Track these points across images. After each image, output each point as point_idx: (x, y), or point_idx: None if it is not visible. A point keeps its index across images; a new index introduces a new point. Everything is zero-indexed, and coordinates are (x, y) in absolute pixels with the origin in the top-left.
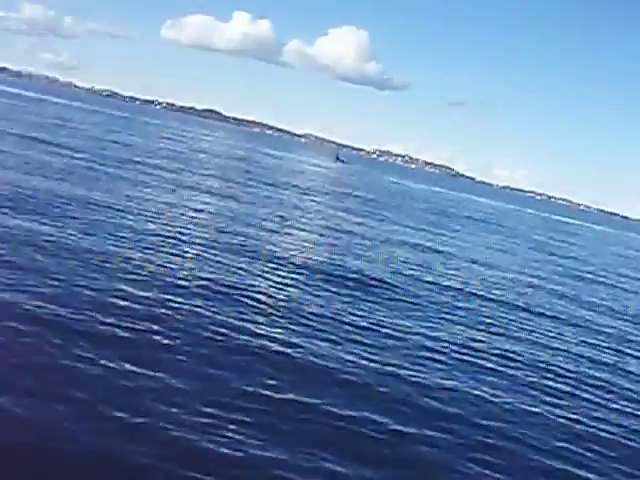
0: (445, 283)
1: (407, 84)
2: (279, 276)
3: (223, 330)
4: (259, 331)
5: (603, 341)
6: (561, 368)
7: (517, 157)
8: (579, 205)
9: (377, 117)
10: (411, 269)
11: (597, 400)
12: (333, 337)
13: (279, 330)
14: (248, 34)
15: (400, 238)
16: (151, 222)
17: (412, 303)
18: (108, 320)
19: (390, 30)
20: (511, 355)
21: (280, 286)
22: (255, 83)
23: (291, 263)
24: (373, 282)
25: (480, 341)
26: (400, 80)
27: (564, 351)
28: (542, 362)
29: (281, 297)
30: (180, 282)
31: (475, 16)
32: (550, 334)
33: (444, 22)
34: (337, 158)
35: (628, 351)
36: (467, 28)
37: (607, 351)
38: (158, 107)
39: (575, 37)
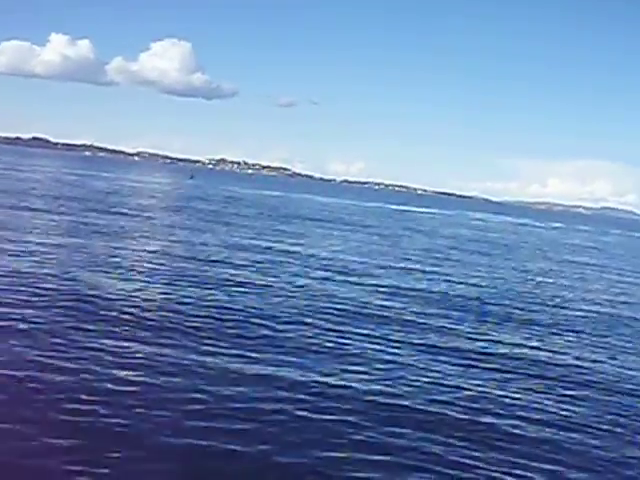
0: (259, 282)
1: (235, 91)
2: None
3: None
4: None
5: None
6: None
7: (352, 151)
8: (416, 190)
9: (209, 127)
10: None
11: None
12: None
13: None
14: (68, 56)
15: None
16: None
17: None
18: None
19: (212, 40)
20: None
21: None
22: (81, 106)
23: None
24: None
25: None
26: (228, 88)
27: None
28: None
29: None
30: None
31: (295, 18)
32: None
33: (266, 27)
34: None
35: None
36: (287, 30)
37: None
38: None
39: (390, 29)
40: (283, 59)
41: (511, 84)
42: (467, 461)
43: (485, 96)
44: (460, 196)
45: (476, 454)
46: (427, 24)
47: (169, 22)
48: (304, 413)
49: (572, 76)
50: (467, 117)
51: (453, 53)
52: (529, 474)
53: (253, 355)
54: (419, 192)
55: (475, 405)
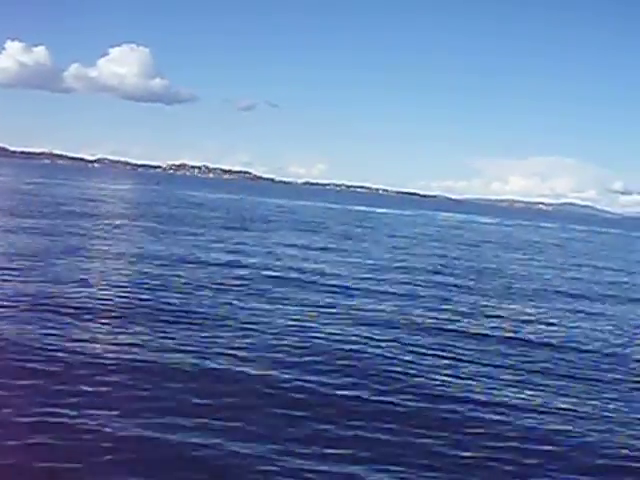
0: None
1: (195, 96)
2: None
3: None
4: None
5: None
6: None
7: (313, 152)
8: (378, 190)
9: (170, 132)
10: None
11: None
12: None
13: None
14: (24, 64)
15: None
16: None
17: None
18: None
19: (171, 44)
20: None
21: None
22: (39, 113)
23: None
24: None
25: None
26: (187, 93)
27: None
28: None
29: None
30: None
31: (252, 21)
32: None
33: (223, 30)
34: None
35: None
36: (244, 33)
37: None
38: None
39: (348, 30)
40: (241, 62)
41: (472, 83)
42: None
43: (447, 96)
44: (423, 195)
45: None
46: (385, 24)
47: (126, 28)
48: (253, 404)
49: (532, 74)
50: (429, 117)
51: (413, 53)
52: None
53: (210, 351)
54: (381, 192)
55: (423, 392)
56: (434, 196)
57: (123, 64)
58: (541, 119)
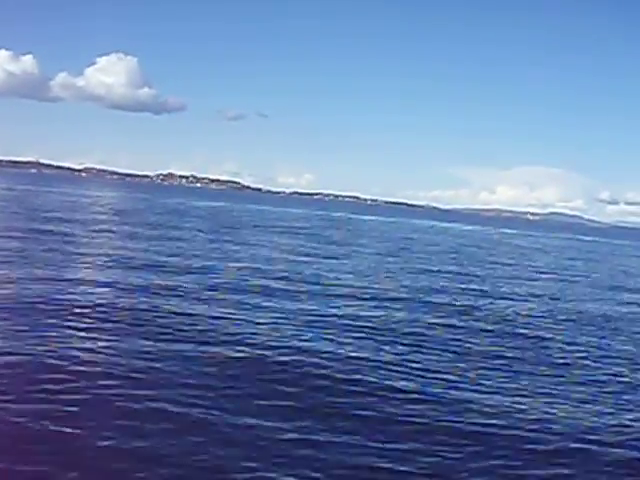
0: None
1: (183, 105)
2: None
3: None
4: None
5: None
6: None
7: (302, 162)
8: (366, 200)
9: (157, 141)
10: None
11: None
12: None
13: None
14: (12, 72)
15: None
16: None
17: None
18: None
19: (159, 54)
20: None
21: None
22: (26, 122)
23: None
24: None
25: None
26: (176, 102)
27: None
28: None
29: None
30: None
31: (241, 30)
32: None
33: (212, 40)
34: None
35: None
36: (233, 43)
37: None
38: None
39: (335, 40)
40: (231, 72)
41: (460, 93)
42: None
43: (435, 105)
44: (411, 205)
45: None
46: (374, 33)
47: (114, 36)
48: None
49: (519, 85)
50: (418, 127)
51: (400, 62)
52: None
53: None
54: (369, 202)
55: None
56: (422, 206)
57: (111, 73)
58: (526, 128)
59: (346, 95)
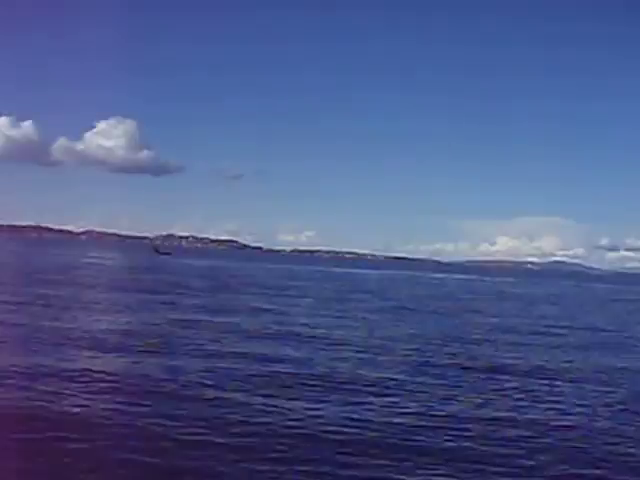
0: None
1: (183, 166)
2: None
3: None
4: None
5: None
6: None
7: (302, 220)
8: (366, 255)
9: (157, 203)
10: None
11: None
12: None
13: None
14: (12, 138)
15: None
16: None
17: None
18: None
19: (157, 116)
20: None
21: None
22: (26, 187)
23: None
24: None
25: None
26: (175, 163)
27: None
28: None
29: None
30: None
31: (240, 90)
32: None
33: (210, 101)
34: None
35: None
36: (231, 102)
37: None
38: None
39: (331, 98)
40: (229, 132)
41: (457, 147)
42: None
43: (434, 161)
44: (411, 259)
45: None
46: (367, 89)
47: (113, 100)
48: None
49: (517, 135)
50: (416, 182)
51: (396, 118)
52: None
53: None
54: (369, 257)
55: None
56: (422, 260)
57: (110, 137)
58: (524, 179)
59: (345, 155)
